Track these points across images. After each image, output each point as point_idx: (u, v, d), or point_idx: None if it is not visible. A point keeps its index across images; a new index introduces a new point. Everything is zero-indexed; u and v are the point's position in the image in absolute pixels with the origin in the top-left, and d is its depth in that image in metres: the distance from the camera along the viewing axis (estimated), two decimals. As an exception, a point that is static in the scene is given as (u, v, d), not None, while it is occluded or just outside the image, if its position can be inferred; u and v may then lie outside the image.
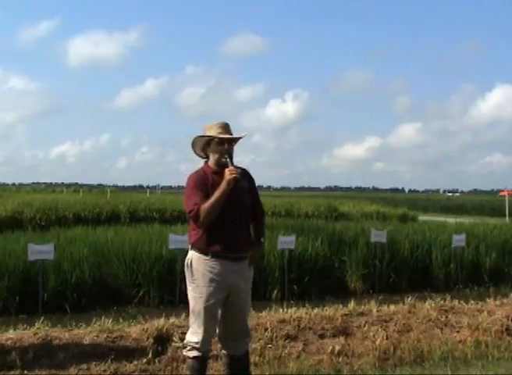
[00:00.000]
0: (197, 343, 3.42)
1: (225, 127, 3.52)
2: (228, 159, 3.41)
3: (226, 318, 3.51)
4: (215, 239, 3.39)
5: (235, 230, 3.42)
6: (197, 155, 3.64)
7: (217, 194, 3.32)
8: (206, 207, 3.31)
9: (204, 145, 3.54)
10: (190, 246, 3.52)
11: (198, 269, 3.41)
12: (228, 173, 3.32)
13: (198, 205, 3.32)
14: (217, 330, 3.57)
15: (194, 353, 3.44)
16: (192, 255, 3.48)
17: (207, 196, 3.35)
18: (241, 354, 3.56)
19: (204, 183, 3.43)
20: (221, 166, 3.44)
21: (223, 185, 3.32)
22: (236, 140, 3.53)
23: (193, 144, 3.58)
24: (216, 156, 3.48)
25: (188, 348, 3.47)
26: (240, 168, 3.48)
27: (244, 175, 3.55)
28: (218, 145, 3.46)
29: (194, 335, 3.44)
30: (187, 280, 3.50)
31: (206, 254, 3.41)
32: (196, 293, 3.42)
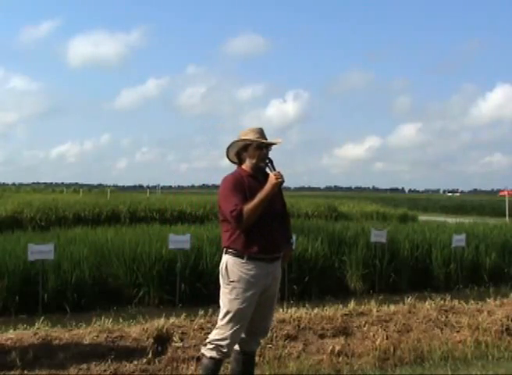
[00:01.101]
0: (223, 340, 3.41)
1: (263, 133, 3.61)
2: (269, 164, 3.53)
3: (252, 317, 3.50)
4: (250, 241, 3.42)
5: (269, 231, 3.46)
6: (230, 159, 3.70)
7: (261, 196, 3.38)
8: (250, 208, 3.35)
9: (240, 150, 3.60)
10: (224, 249, 3.53)
11: (235, 272, 3.43)
12: (274, 178, 3.42)
13: (240, 205, 3.36)
14: None
15: (214, 354, 3.45)
16: (227, 259, 3.49)
17: (245, 198, 3.40)
18: (252, 350, 3.63)
19: (241, 185, 3.48)
20: (258, 170, 3.55)
21: (268, 188, 3.40)
22: (271, 145, 3.60)
23: (229, 148, 3.64)
24: (254, 160, 3.56)
25: (211, 347, 3.47)
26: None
27: None
28: (257, 150, 3.55)
29: (222, 335, 3.43)
30: (222, 283, 3.50)
31: (242, 257, 3.43)
32: (232, 295, 3.42)
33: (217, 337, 3.45)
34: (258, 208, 3.37)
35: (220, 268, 3.53)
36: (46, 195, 31.45)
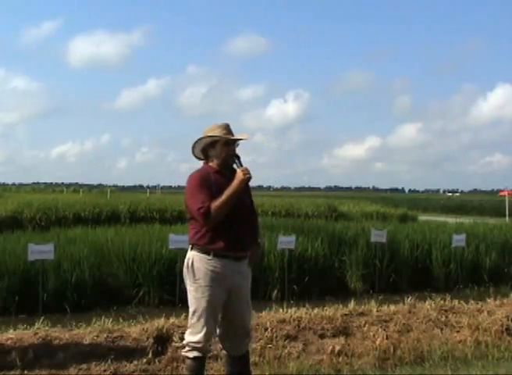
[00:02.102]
0: (198, 343, 3.41)
1: (229, 128, 3.57)
2: (237, 160, 3.48)
3: (227, 318, 3.50)
4: (217, 238, 3.39)
5: (236, 229, 3.43)
6: (195, 156, 3.66)
7: (228, 192, 3.34)
8: (217, 205, 3.32)
9: (207, 146, 3.56)
10: (190, 246, 3.51)
11: (200, 269, 3.40)
12: (242, 174, 3.37)
13: (207, 203, 3.33)
14: (218, 331, 3.57)
15: (195, 353, 3.44)
16: (193, 255, 3.46)
17: (212, 195, 3.37)
18: (241, 354, 3.56)
19: (208, 182, 3.44)
20: (225, 167, 3.50)
21: (236, 184, 3.36)
22: (238, 140, 3.57)
23: (195, 145, 3.61)
24: (222, 157, 3.51)
25: (188, 348, 3.46)
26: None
27: None
28: (225, 146, 3.50)
29: (195, 335, 3.42)
30: (188, 281, 3.48)
31: (207, 253, 3.40)
32: (198, 293, 3.41)
33: (191, 339, 3.44)
34: (226, 205, 3.34)
35: (185, 265, 3.49)
36: (46, 195, 31.48)
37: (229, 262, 3.42)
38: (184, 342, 3.52)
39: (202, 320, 3.40)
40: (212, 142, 3.53)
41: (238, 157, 3.51)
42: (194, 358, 3.44)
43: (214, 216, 3.33)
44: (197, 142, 3.58)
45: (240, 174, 3.38)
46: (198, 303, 3.41)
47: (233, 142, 3.53)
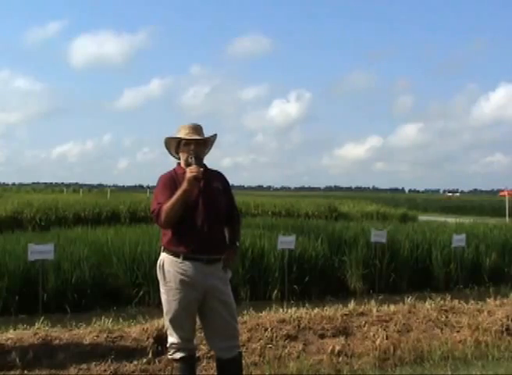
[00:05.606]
0: (178, 343, 3.42)
1: (195, 129, 3.52)
2: (193, 159, 3.38)
3: (206, 319, 3.46)
4: (186, 240, 3.35)
5: (207, 231, 3.37)
6: (173, 156, 3.65)
7: (177, 192, 3.28)
8: (167, 206, 3.28)
9: (176, 147, 3.56)
10: (162, 248, 3.49)
11: (170, 271, 3.37)
12: (188, 172, 3.28)
13: (161, 204, 3.31)
14: (204, 333, 3.57)
15: (180, 354, 3.44)
16: (164, 257, 3.44)
17: (171, 197, 3.33)
18: (229, 357, 3.45)
19: (173, 183, 3.41)
20: (188, 167, 3.42)
21: (184, 184, 3.28)
22: (202, 141, 3.52)
23: (167, 146, 3.60)
24: (185, 157, 3.49)
25: (172, 351, 3.47)
26: (214, 171, 3.53)
27: (218, 178, 3.58)
28: (186, 146, 3.48)
29: (173, 336, 3.44)
30: (160, 283, 3.46)
31: (177, 256, 3.36)
32: (169, 296, 3.39)
33: (171, 341, 3.46)
34: (175, 205, 3.26)
35: (157, 267, 3.47)
36: (46, 195, 31.48)
37: (200, 264, 3.35)
38: (167, 346, 3.53)
39: (175, 322, 3.41)
40: (179, 142, 3.52)
41: (195, 157, 3.40)
42: (181, 358, 3.45)
43: (164, 218, 3.28)
44: (166, 142, 3.58)
45: (187, 173, 3.30)
46: (170, 305, 3.40)
47: (195, 142, 3.46)
